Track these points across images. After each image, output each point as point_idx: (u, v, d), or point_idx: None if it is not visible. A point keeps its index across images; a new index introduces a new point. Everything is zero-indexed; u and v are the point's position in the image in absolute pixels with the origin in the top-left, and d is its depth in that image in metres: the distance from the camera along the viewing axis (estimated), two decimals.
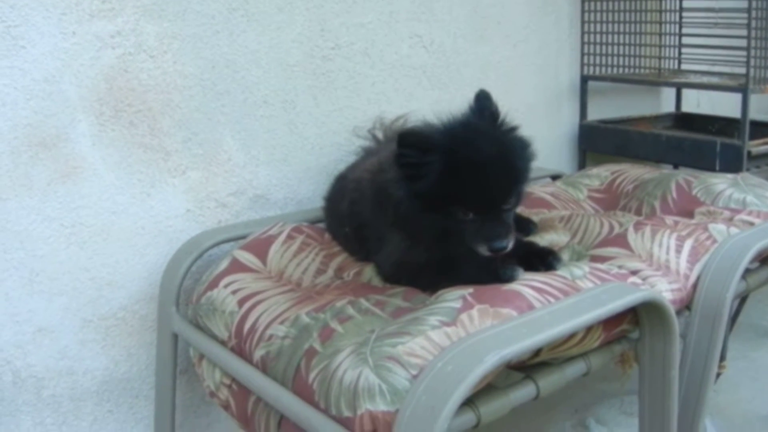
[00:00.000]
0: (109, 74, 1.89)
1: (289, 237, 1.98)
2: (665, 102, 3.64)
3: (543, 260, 1.73)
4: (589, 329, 1.51)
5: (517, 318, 1.41)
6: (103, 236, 1.94)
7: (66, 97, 1.83)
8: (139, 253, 2.01)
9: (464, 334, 1.38)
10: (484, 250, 1.61)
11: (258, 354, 1.58)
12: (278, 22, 2.18)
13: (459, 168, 1.59)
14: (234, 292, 1.76)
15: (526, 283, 1.55)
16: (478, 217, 1.62)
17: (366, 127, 2.30)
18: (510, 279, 1.58)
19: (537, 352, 1.46)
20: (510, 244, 1.63)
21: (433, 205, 1.61)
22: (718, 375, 2.46)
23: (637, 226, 1.96)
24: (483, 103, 1.71)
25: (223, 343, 1.71)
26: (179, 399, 2.07)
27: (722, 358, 2.48)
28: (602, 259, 1.84)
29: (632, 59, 3.13)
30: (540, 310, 1.44)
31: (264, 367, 1.56)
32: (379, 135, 2.26)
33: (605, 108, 3.29)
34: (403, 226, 1.69)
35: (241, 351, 1.65)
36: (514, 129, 1.71)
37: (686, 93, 3.58)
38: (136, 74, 1.94)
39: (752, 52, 2.65)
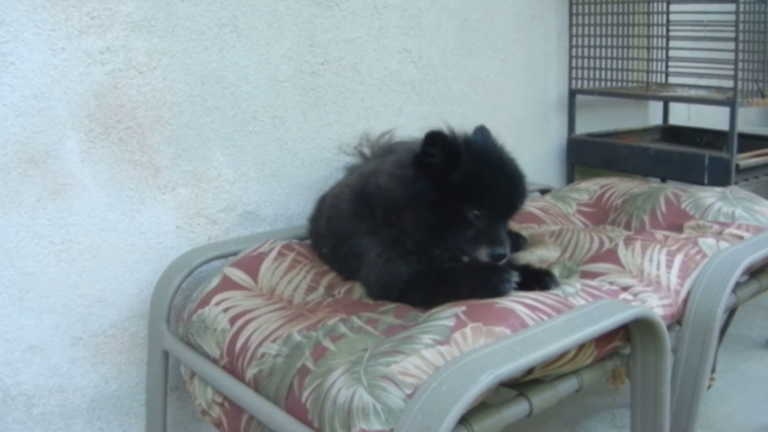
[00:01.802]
0: (99, 90, 1.89)
1: (280, 254, 1.97)
2: (653, 115, 3.65)
3: (539, 281, 1.73)
4: (581, 347, 1.51)
5: (511, 336, 1.41)
6: (93, 253, 1.93)
7: (55, 113, 1.83)
8: (129, 270, 2.00)
9: (458, 353, 1.38)
10: (484, 256, 1.66)
11: (250, 372, 1.58)
12: (267, 38, 2.18)
13: (482, 168, 1.69)
14: (225, 310, 1.75)
15: (519, 301, 1.55)
16: (484, 221, 1.68)
17: (353, 143, 2.30)
18: (505, 292, 1.60)
19: (530, 369, 1.46)
20: (508, 253, 1.69)
21: (449, 201, 1.67)
22: (708, 387, 2.47)
23: (628, 241, 1.96)
24: (483, 134, 1.82)
25: (214, 361, 1.70)
26: (170, 416, 2.06)
27: (712, 370, 2.48)
28: (593, 275, 1.85)
29: (620, 73, 3.14)
30: (533, 328, 1.45)
31: (256, 385, 1.55)
32: (366, 152, 2.26)
33: (593, 121, 3.30)
34: (403, 224, 1.71)
35: (233, 369, 1.64)
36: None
37: (677, 106, 3.59)
38: (125, 90, 1.93)
39: (740, 65, 2.66)
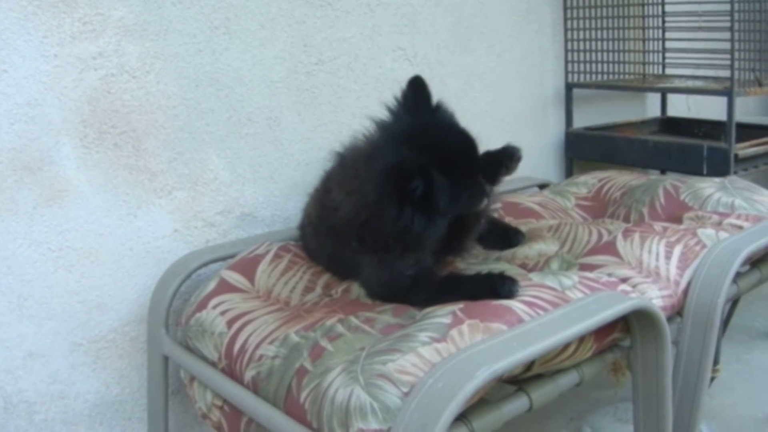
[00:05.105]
0: (92, 96, 1.89)
1: (277, 256, 1.97)
2: (650, 107, 3.64)
3: (509, 239, 1.92)
4: (581, 340, 1.51)
5: (508, 332, 1.40)
6: (91, 259, 1.93)
7: (49, 120, 1.83)
8: (128, 274, 2.00)
9: (455, 349, 1.38)
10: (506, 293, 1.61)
11: (249, 375, 1.58)
12: (260, 39, 2.18)
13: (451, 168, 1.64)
14: (223, 313, 1.75)
15: (516, 298, 1.56)
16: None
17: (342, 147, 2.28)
18: (509, 295, 1.58)
19: (529, 366, 1.46)
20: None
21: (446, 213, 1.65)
22: (713, 379, 2.46)
23: (626, 233, 1.96)
24: (418, 91, 1.78)
25: (213, 364, 1.70)
26: (172, 420, 2.06)
27: (716, 361, 2.47)
28: (592, 267, 1.84)
29: (616, 65, 3.13)
30: (530, 323, 1.44)
31: (255, 387, 1.55)
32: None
33: (591, 115, 3.30)
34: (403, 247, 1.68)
35: (231, 372, 1.64)
36: (453, 114, 1.79)
37: (675, 97, 3.59)
38: (119, 95, 1.93)
39: (736, 55, 2.65)
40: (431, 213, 1.60)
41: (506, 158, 1.77)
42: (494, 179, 1.75)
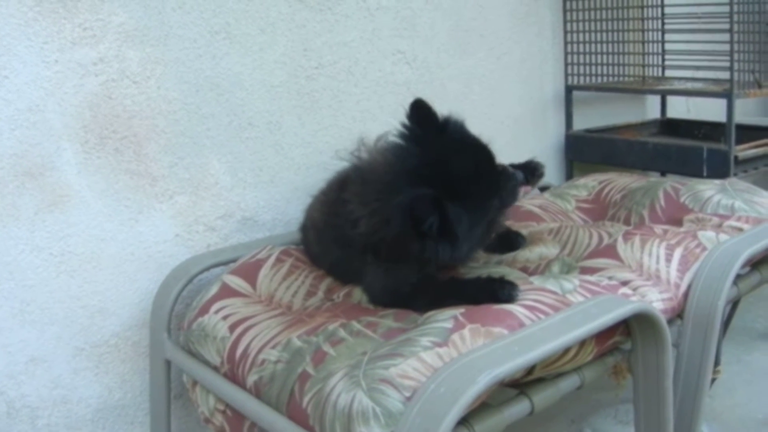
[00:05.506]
0: (93, 101, 1.89)
1: (278, 260, 1.97)
2: (650, 109, 3.65)
3: (510, 243, 1.93)
4: (582, 344, 1.51)
5: (509, 336, 1.41)
6: (93, 264, 1.93)
7: (50, 125, 1.83)
8: (130, 279, 2.00)
9: (456, 354, 1.38)
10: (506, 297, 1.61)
11: (251, 379, 1.58)
12: (260, 44, 2.18)
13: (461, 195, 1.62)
14: (225, 318, 1.75)
15: (517, 302, 1.56)
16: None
17: (349, 147, 2.27)
18: (509, 299, 1.58)
19: (530, 370, 1.46)
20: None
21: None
22: (713, 380, 2.45)
23: (627, 236, 1.96)
24: (422, 115, 1.72)
25: (215, 369, 1.70)
26: (174, 424, 2.06)
27: (717, 363, 2.47)
28: (592, 271, 1.84)
29: (616, 68, 3.13)
30: (531, 327, 1.44)
31: (257, 392, 1.55)
32: (364, 156, 2.23)
33: (591, 117, 3.30)
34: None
35: (234, 376, 1.64)
36: (462, 125, 1.74)
37: (675, 99, 3.59)
38: (120, 100, 1.93)
39: (735, 56, 2.65)
40: (453, 240, 1.61)
41: (528, 173, 1.77)
42: None
